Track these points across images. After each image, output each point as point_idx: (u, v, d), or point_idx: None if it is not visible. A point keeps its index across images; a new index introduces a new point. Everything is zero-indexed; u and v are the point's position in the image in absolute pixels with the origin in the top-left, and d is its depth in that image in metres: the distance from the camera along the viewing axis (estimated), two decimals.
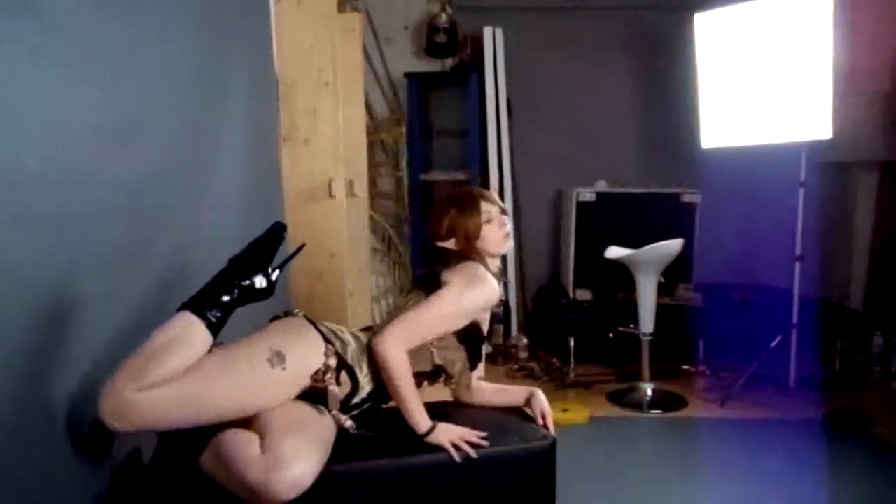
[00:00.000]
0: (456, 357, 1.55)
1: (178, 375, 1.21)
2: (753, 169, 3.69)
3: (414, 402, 1.45)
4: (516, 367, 3.64)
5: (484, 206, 1.62)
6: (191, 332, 1.26)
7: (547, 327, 3.93)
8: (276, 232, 1.46)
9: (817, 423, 2.87)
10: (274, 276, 1.41)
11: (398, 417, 1.46)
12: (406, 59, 4.34)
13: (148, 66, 1.66)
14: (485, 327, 1.63)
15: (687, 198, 3.86)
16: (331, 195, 2.93)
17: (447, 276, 1.56)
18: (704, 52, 3.48)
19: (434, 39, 4.18)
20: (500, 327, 3.90)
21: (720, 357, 3.53)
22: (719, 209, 3.95)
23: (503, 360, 3.75)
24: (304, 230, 2.85)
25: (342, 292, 3.01)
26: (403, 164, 4.24)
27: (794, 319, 3.25)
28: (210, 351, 1.29)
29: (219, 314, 1.30)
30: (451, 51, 4.23)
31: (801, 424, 2.87)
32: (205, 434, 1.33)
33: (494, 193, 1.70)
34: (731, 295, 3.86)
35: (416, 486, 1.42)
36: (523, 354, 3.73)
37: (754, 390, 3.20)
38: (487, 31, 4.04)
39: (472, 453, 1.42)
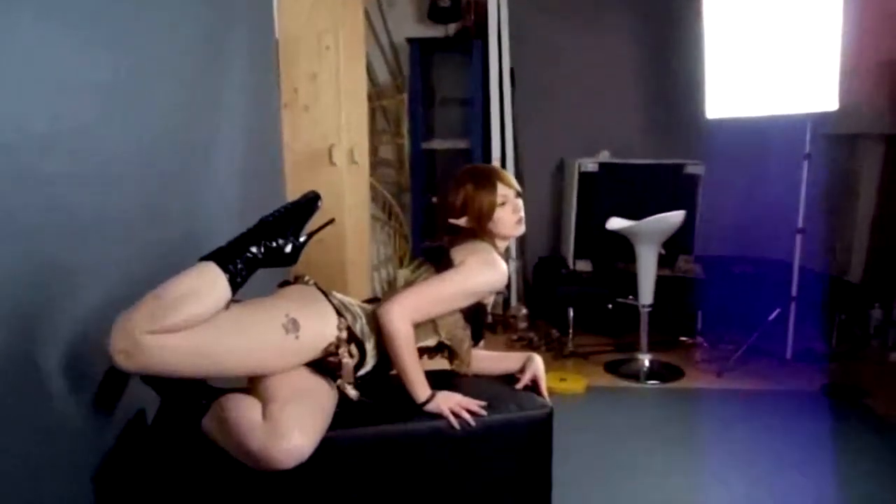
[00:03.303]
0: (463, 336, 1.55)
1: (194, 325, 1.21)
2: (757, 140, 3.65)
3: (414, 372, 1.46)
4: (515, 336, 3.66)
5: (500, 187, 1.60)
6: (213, 284, 1.26)
7: (546, 298, 3.94)
8: (312, 200, 1.46)
9: (814, 395, 2.90)
10: (300, 243, 1.41)
11: (399, 385, 1.47)
12: (408, 24, 4.26)
13: (151, 30, 1.63)
14: (489, 307, 1.63)
15: (690, 169, 3.83)
16: (331, 162, 2.91)
17: (457, 254, 1.55)
18: (711, 20, 3.42)
19: (437, 4, 4.10)
20: (500, 297, 3.91)
21: (719, 329, 3.55)
22: (722, 181, 3.93)
23: (502, 330, 3.77)
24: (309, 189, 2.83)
25: (342, 260, 3.02)
26: (405, 131, 4.20)
27: (794, 292, 3.26)
28: (227, 307, 1.29)
29: (242, 271, 1.30)
30: (454, 16, 4.15)
31: (797, 396, 2.89)
32: (208, 396, 1.34)
33: (511, 177, 1.67)
34: (731, 267, 3.86)
35: (414, 452, 1.43)
36: (522, 324, 3.75)
37: (752, 362, 3.23)
38: None
39: (471, 421, 1.43)
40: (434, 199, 4.45)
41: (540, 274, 4.18)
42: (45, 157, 1.21)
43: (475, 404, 1.47)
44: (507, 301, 3.98)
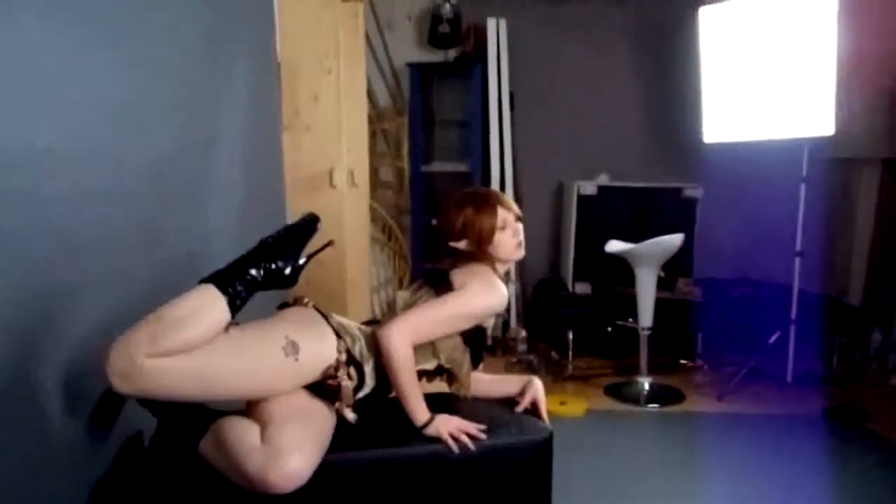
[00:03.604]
0: (462, 359, 1.55)
1: (192, 348, 1.20)
2: (755, 164, 3.67)
3: (413, 394, 1.45)
4: (515, 359, 3.65)
5: (501, 211, 1.60)
6: (212, 307, 1.25)
7: (546, 320, 3.94)
8: (311, 222, 1.47)
9: (815, 418, 2.89)
10: (300, 265, 1.41)
11: (398, 408, 1.46)
12: (409, 49, 4.32)
13: (153, 52, 1.65)
14: (489, 330, 1.63)
15: (688, 192, 3.85)
16: (332, 184, 2.93)
17: (457, 277, 1.55)
18: (709, 46, 3.47)
19: (437, 29, 4.16)
20: (499, 319, 3.90)
21: (719, 352, 3.55)
22: (720, 204, 3.95)
23: (502, 353, 3.76)
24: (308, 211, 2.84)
25: (342, 281, 3.01)
26: (405, 154, 4.23)
27: (793, 315, 3.26)
28: (226, 329, 1.29)
29: (242, 293, 1.30)
30: (454, 41, 4.21)
31: (798, 420, 2.88)
32: (205, 419, 1.33)
33: (511, 200, 1.67)
34: (730, 290, 3.86)
35: (412, 476, 1.42)
36: (522, 347, 3.73)
37: (752, 385, 3.21)
38: (491, 22, 4.01)
39: (471, 445, 1.42)
40: (434, 222, 4.47)
41: (539, 296, 4.18)
42: (44, 177, 1.22)
43: (474, 428, 1.46)
44: (506, 323, 3.98)
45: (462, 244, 1.62)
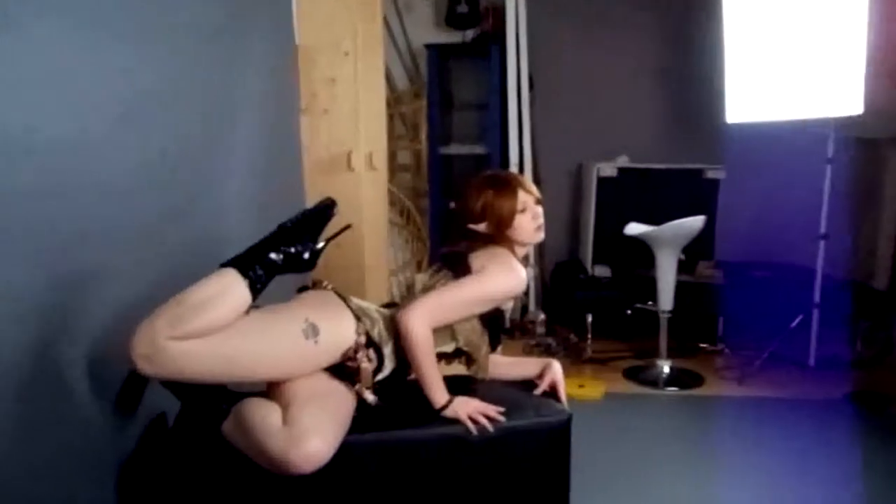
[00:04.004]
0: (481, 342, 1.55)
1: (214, 331, 1.22)
2: (779, 144, 3.60)
3: (433, 376, 1.45)
4: (533, 342, 3.65)
5: (521, 194, 1.60)
6: (233, 290, 1.27)
7: (564, 303, 3.92)
8: (328, 206, 1.47)
9: (837, 403, 2.85)
10: (318, 249, 1.42)
11: (417, 390, 1.47)
12: (426, 30, 4.28)
13: (170, 38, 1.65)
14: (507, 313, 1.63)
15: (710, 174, 3.80)
16: (349, 167, 2.93)
17: (476, 260, 1.55)
18: (732, 23, 3.39)
19: (455, 10, 4.12)
20: (518, 303, 3.90)
21: (740, 335, 3.50)
22: (743, 185, 3.88)
23: (520, 335, 3.76)
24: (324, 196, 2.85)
25: (361, 264, 3.03)
26: (423, 136, 4.22)
27: (816, 299, 3.21)
28: (247, 312, 1.30)
29: (262, 277, 1.31)
30: (472, 22, 4.16)
31: (820, 404, 2.85)
32: (227, 401, 1.35)
33: (531, 183, 1.66)
34: (752, 273, 3.81)
35: (430, 457, 1.43)
36: (540, 330, 3.73)
37: (773, 369, 3.18)
38: (510, 2, 3.96)
39: (489, 427, 1.42)
40: (452, 204, 4.46)
41: (558, 279, 4.17)
42: (67, 164, 1.23)
43: (493, 410, 1.46)
44: (524, 306, 3.97)
45: (481, 227, 1.61)
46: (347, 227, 1.55)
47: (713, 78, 3.55)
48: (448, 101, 4.32)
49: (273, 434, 1.23)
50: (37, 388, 1.16)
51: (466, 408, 1.45)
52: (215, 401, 1.35)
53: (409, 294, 1.60)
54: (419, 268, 4.09)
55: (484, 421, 1.43)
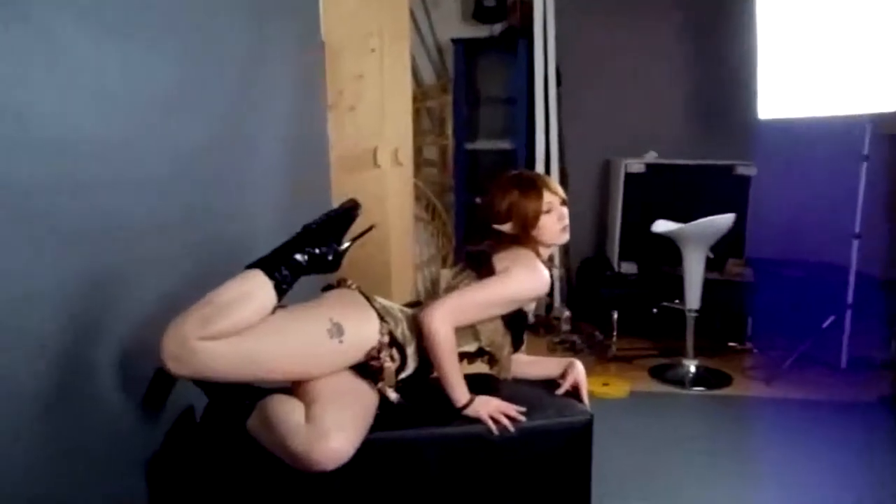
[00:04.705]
0: (504, 342, 1.55)
1: (241, 332, 1.24)
2: (813, 140, 3.53)
3: (454, 375, 1.46)
4: (557, 339, 3.63)
5: (546, 195, 1.59)
6: (260, 291, 1.29)
7: (590, 300, 3.90)
8: (352, 207, 1.49)
9: (870, 406, 2.79)
10: (343, 250, 1.44)
11: (439, 388, 1.47)
12: (453, 24, 4.27)
13: (197, 35, 1.68)
14: (530, 314, 1.62)
15: (741, 170, 3.72)
16: (375, 164, 2.94)
17: (500, 261, 1.55)
18: (765, 17, 3.32)
19: (483, 4, 4.10)
20: (543, 300, 3.88)
21: (769, 335, 3.44)
22: (775, 182, 3.79)
23: (545, 332, 3.74)
24: (348, 196, 2.87)
25: (386, 260, 3.04)
26: (449, 131, 4.21)
27: (850, 298, 3.14)
28: (272, 312, 1.32)
29: (287, 277, 1.34)
30: (499, 16, 4.14)
31: (852, 407, 2.78)
32: (252, 397, 1.38)
33: (557, 183, 1.66)
34: (783, 271, 3.74)
35: (451, 456, 1.44)
36: (565, 327, 3.70)
37: (804, 370, 3.11)
38: None
39: (510, 427, 1.43)
40: (477, 200, 4.46)
41: (584, 275, 4.14)
42: (97, 164, 1.26)
43: (514, 409, 1.46)
44: (549, 303, 3.95)
45: (506, 227, 1.61)
46: (371, 227, 1.56)
47: (745, 73, 3.48)
48: (475, 95, 4.30)
49: (296, 431, 1.25)
50: (69, 384, 1.19)
51: (487, 407, 1.45)
52: (240, 397, 1.37)
53: (434, 290, 1.61)
54: (444, 263, 4.10)
55: (505, 421, 1.43)
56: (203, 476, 1.38)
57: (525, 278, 1.52)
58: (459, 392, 1.46)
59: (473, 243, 1.67)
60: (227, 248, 1.78)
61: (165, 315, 1.30)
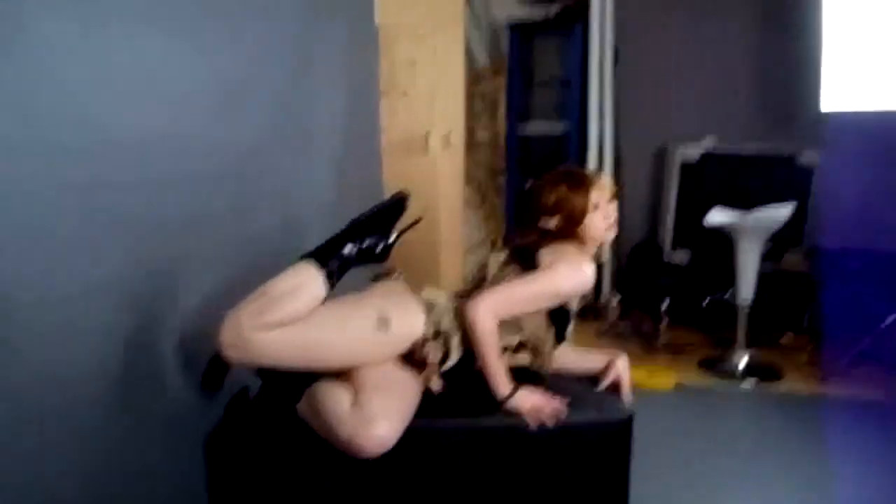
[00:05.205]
0: (546, 336, 1.58)
1: (294, 322, 1.31)
2: (879, 132, 3.35)
3: (496, 367, 1.49)
4: (605, 326, 3.61)
5: (594, 193, 1.60)
6: (311, 283, 1.36)
7: (640, 287, 3.85)
8: (401, 199, 1.53)
9: None
10: (390, 242, 1.48)
11: (482, 379, 1.50)
12: (509, 5, 4.21)
13: (253, 26, 1.73)
14: (573, 311, 1.63)
15: (804, 160, 3.58)
16: (427, 149, 2.97)
17: (545, 256, 1.56)
18: (832, 4, 3.15)
19: None
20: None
21: (828, 330, 3.32)
22: (840, 173, 3.62)
23: (593, 319, 3.73)
24: (399, 182, 2.91)
25: (435, 243, 3.09)
26: (501, 114, 4.19)
27: None
28: (322, 303, 1.38)
29: (337, 270, 1.40)
30: None
31: None
32: (303, 383, 1.45)
33: (607, 180, 1.65)
34: (847, 263, 3.59)
35: (489, 447, 1.47)
36: (613, 314, 3.68)
37: (862, 368, 3.01)
38: None
39: (549, 423, 1.45)
40: (528, 184, 4.44)
41: (634, 261, 4.08)
42: (158, 158, 1.34)
43: (557, 404, 1.48)
44: (598, 289, 3.92)
45: (553, 222, 1.62)
46: (418, 220, 1.60)
47: (810, 61, 3.33)
48: (528, 78, 4.26)
49: (342, 419, 1.31)
50: (133, 370, 1.28)
51: (529, 400, 1.47)
52: (292, 382, 1.44)
53: (482, 274, 1.63)
54: (494, 247, 4.12)
55: (544, 415, 1.46)
56: (257, 454, 1.46)
57: (569, 274, 1.52)
58: (501, 384, 1.48)
59: (520, 235, 1.68)
60: (280, 237, 1.86)
61: (222, 302, 1.38)
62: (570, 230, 1.60)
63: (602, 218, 1.60)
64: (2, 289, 0.99)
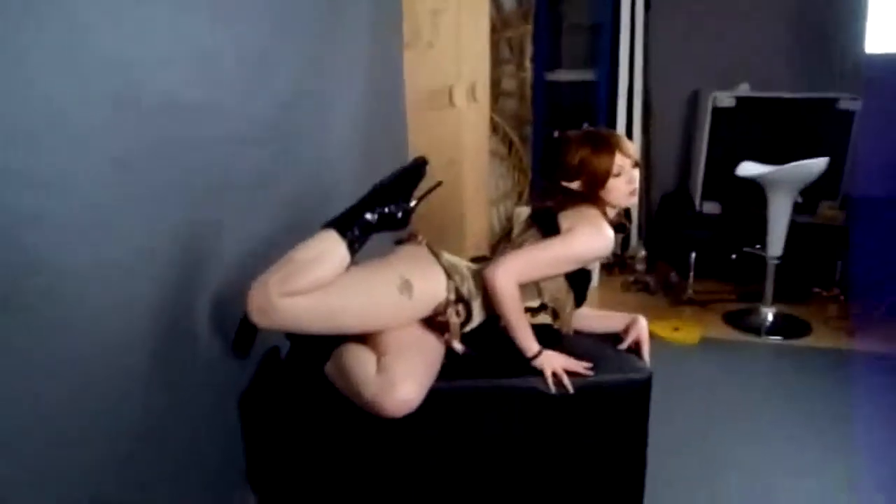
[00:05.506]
0: (566, 299, 1.59)
1: (319, 288, 1.35)
2: None
3: (522, 329, 1.51)
4: (632, 279, 3.60)
5: (618, 157, 1.57)
6: (334, 250, 1.39)
7: (668, 239, 3.82)
8: (420, 165, 1.54)
9: None
10: (411, 207, 1.50)
11: (503, 340, 1.53)
12: None
13: None
14: (593, 273, 1.63)
15: (844, 104, 3.45)
16: (451, 103, 2.93)
17: (565, 219, 1.56)
18: None
19: None
20: (620, 237, 3.83)
21: (860, 282, 3.26)
22: (882, 118, 3.49)
23: (619, 272, 3.72)
24: (424, 135, 2.90)
25: (460, 197, 3.09)
26: (527, 62, 4.09)
27: None
28: (346, 269, 1.41)
29: (359, 236, 1.42)
30: None
31: None
32: (330, 345, 1.50)
33: (632, 145, 1.62)
34: (883, 213, 3.50)
35: (509, 407, 1.51)
36: (640, 267, 3.67)
37: (893, 323, 2.96)
38: None
39: (570, 388, 1.48)
40: (556, 133, 4.36)
41: (664, 212, 4.03)
42: (190, 123, 1.36)
43: (581, 366, 1.51)
44: (626, 241, 3.90)
45: (574, 185, 1.61)
46: (438, 184, 1.60)
47: (852, 2, 3.16)
48: (557, 23, 4.13)
49: (367, 380, 1.36)
50: (171, 334, 1.34)
51: (553, 363, 1.50)
52: (319, 344, 1.49)
53: (508, 226, 1.64)
54: (520, 199, 4.10)
55: (566, 380, 1.48)
56: (288, 413, 1.53)
57: (588, 239, 1.53)
58: (527, 344, 1.51)
59: (543, 194, 1.68)
60: (309, 197, 1.88)
61: (251, 263, 1.42)
62: (592, 193, 1.59)
63: (625, 183, 1.58)
64: (45, 258, 1.03)
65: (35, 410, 1.04)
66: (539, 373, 1.50)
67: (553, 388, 1.49)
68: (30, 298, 1.01)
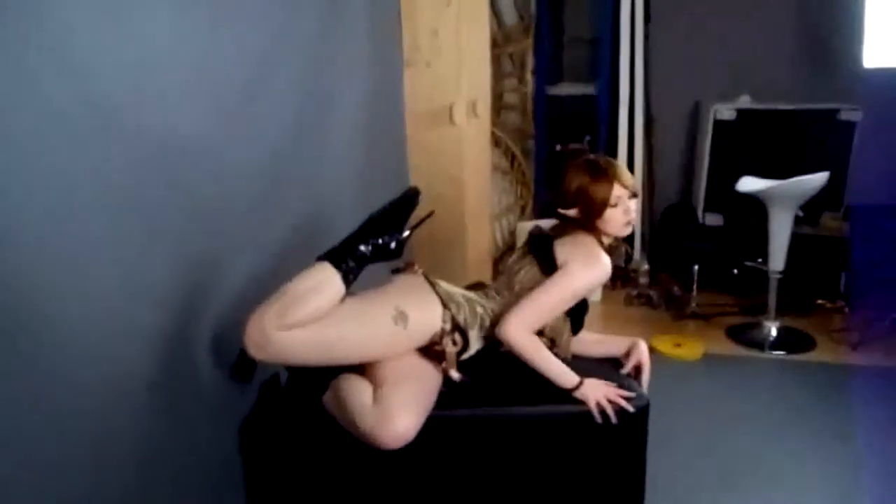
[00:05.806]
0: (563, 328, 1.61)
1: (315, 320, 1.36)
2: None
3: (554, 368, 1.52)
4: (635, 292, 3.60)
5: (616, 187, 1.58)
6: (329, 283, 1.40)
7: (671, 251, 3.81)
8: (412, 196, 1.56)
9: None
10: (404, 238, 1.52)
11: (505, 365, 1.55)
12: None
13: (272, 12, 1.72)
14: (591, 299, 1.65)
15: (845, 115, 3.44)
16: (451, 121, 2.95)
17: (561, 250, 1.58)
18: None
19: None
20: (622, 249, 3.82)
21: (864, 294, 3.25)
22: (883, 129, 3.49)
23: (621, 285, 3.71)
24: (424, 153, 2.92)
25: (461, 213, 3.09)
26: (529, 76, 4.10)
27: None
28: (342, 301, 1.43)
29: (354, 268, 1.44)
30: None
31: None
32: (327, 375, 1.51)
33: (630, 176, 1.63)
34: (885, 223, 3.48)
35: (507, 435, 1.52)
36: (643, 280, 3.66)
37: None
38: None
39: (613, 417, 1.48)
40: (557, 147, 4.38)
41: (666, 224, 4.03)
42: (187, 161, 1.37)
43: (623, 396, 1.51)
44: (629, 254, 3.88)
45: (571, 212, 1.62)
46: (430, 214, 1.62)
47: (852, 16, 3.15)
48: (558, 37, 4.15)
49: (364, 412, 1.37)
50: (170, 361, 1.35)
51: (596, 392, 1.51)
52: (316, 375, 1.50)
53: (511, 241, 1.65)
54: (523, 212, 4.10)
55: (610, 410, 1.49)
56: (288, 441, 1.54)
57: (585, 274, 1.55)
58: (564, 379, 1.52)
59: (550, 194, 1.69)
60: (309, 219, 1.89)
61: (251, 290, 1.43)
62: (589, 222, 1.60)
63: (622, 213, 1.59)
64: (42, 286, 1.04)
65: (31, 442, 1.04)
66: (531, 400, 1.50)
67: (598, 418, 1.49)
68: (28, 324, 1.02)
